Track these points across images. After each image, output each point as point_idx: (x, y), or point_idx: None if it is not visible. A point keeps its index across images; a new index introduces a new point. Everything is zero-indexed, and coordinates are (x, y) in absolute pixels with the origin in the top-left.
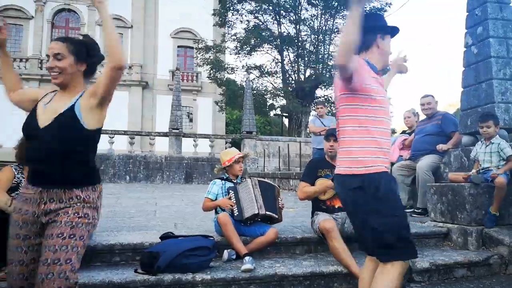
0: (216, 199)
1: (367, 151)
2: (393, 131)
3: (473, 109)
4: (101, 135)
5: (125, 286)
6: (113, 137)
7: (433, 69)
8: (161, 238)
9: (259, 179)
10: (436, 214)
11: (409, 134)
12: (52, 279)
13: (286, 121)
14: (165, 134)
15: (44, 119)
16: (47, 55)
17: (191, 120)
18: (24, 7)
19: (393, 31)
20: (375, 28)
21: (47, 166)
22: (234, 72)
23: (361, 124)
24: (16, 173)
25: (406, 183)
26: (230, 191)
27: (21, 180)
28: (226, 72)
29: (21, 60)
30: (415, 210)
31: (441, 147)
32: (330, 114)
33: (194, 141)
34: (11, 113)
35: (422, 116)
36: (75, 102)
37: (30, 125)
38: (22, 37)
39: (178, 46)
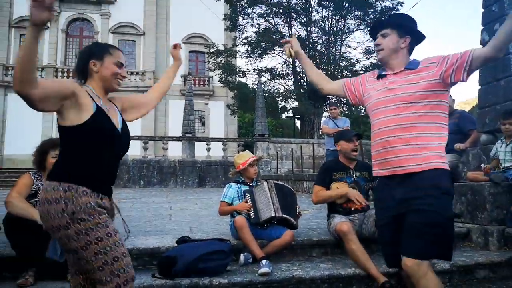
0: (232, 202)
1: None
2: None
3: (491, 107)
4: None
5: None
6: None
7: None
8: (177, 242)
9: (275, 181)
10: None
11: None
12: None
13: (298, 123)
14: (178, 139)
15: (116, 123)
16: (119, 63)
17: (203, 124)
18: None
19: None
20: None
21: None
22: (245, 76)
23: None
24: (34, 180)
25: None
26: (247, 194)
27: (40, 187)
28: (237, 75)
29: (37, 69)
30: None
31: (459, 146)
32: (342, 115)
33: (207, 145)
34: (25, 122)
35: None
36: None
37: (111, 129)
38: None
39: (190, 51)
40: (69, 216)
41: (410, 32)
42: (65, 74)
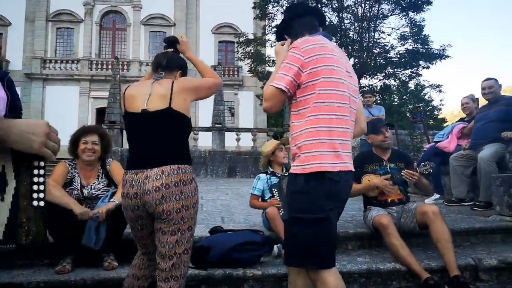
0: (262, 195)
1: None
2: (444, 120)
3: None
4: None
5: None
6: None
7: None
8: (210, 232)
9: None
10: (502, 207)
11: (468, 121)
12: None
13: None
14: (208, 129)
15: None
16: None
17: (233, 115)
18: (75, 11)
19: None
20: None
21: None
22: (275, 65)
23: None
24: (70, 168)
25: (466, 174)
26: (274, 189)
27: (75, 175)
28: (267, 65)
29: (73, 61)
30: (477, 203)
31: (506, 134)
32: (376, 103)
33: (237, 135)
34: (62, 113)
35: (482, 102)
36: None
37: None
38: (73, 40)
39: (219, 42)
40: (196, 194)
41: (280, 30)
42: (99, 66)
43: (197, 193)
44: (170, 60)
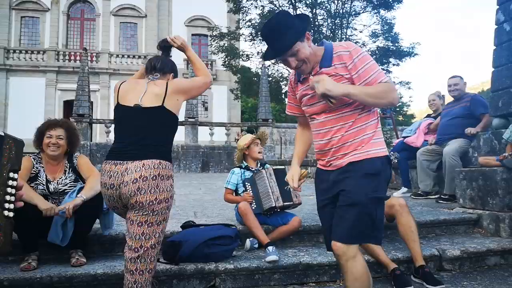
0: (236, 189)
1: None
2: (413, 116)
3: (505, 90)
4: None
5: None
6: None
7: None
8: (182, 227)
9: (274, 167)
10: (465, 200)
11: (435, 117)
12: None
13: None
14: (181, 123)
15: None
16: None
17: (206, 109)
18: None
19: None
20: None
21: None
22: (249, 59)
23: None
24: (34, 162)
25: (432, 168)
26: (246, 183)
27: (40, 170)
28: (241, 59)
29: (38, 52)
30: (442, 196)
31: (469, 130)
32: None
33: (210, 129)
34: (27, 105)
35: (448, 99)
36: None
37: None
38: (38, 29)
39: (192, 35)
40: (172, 190)
41: (303, 28)
42: (67, 57)
43: (173, 190)
44: (164, 64)
